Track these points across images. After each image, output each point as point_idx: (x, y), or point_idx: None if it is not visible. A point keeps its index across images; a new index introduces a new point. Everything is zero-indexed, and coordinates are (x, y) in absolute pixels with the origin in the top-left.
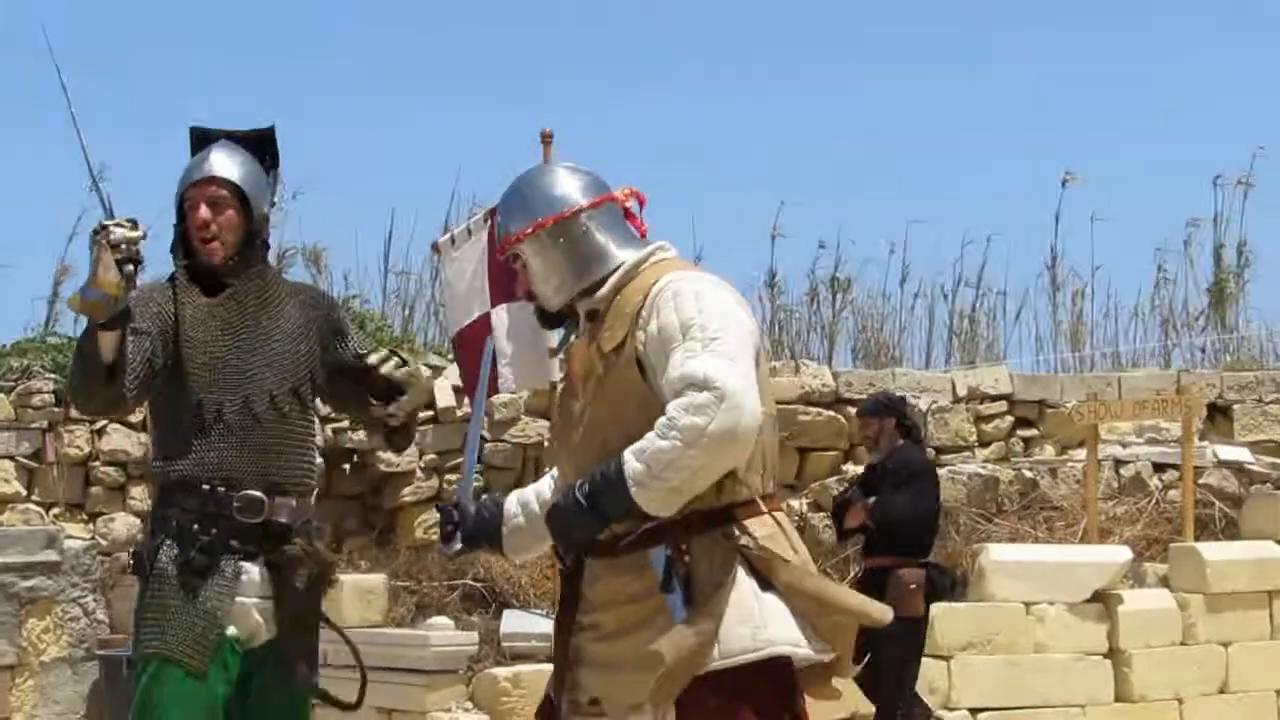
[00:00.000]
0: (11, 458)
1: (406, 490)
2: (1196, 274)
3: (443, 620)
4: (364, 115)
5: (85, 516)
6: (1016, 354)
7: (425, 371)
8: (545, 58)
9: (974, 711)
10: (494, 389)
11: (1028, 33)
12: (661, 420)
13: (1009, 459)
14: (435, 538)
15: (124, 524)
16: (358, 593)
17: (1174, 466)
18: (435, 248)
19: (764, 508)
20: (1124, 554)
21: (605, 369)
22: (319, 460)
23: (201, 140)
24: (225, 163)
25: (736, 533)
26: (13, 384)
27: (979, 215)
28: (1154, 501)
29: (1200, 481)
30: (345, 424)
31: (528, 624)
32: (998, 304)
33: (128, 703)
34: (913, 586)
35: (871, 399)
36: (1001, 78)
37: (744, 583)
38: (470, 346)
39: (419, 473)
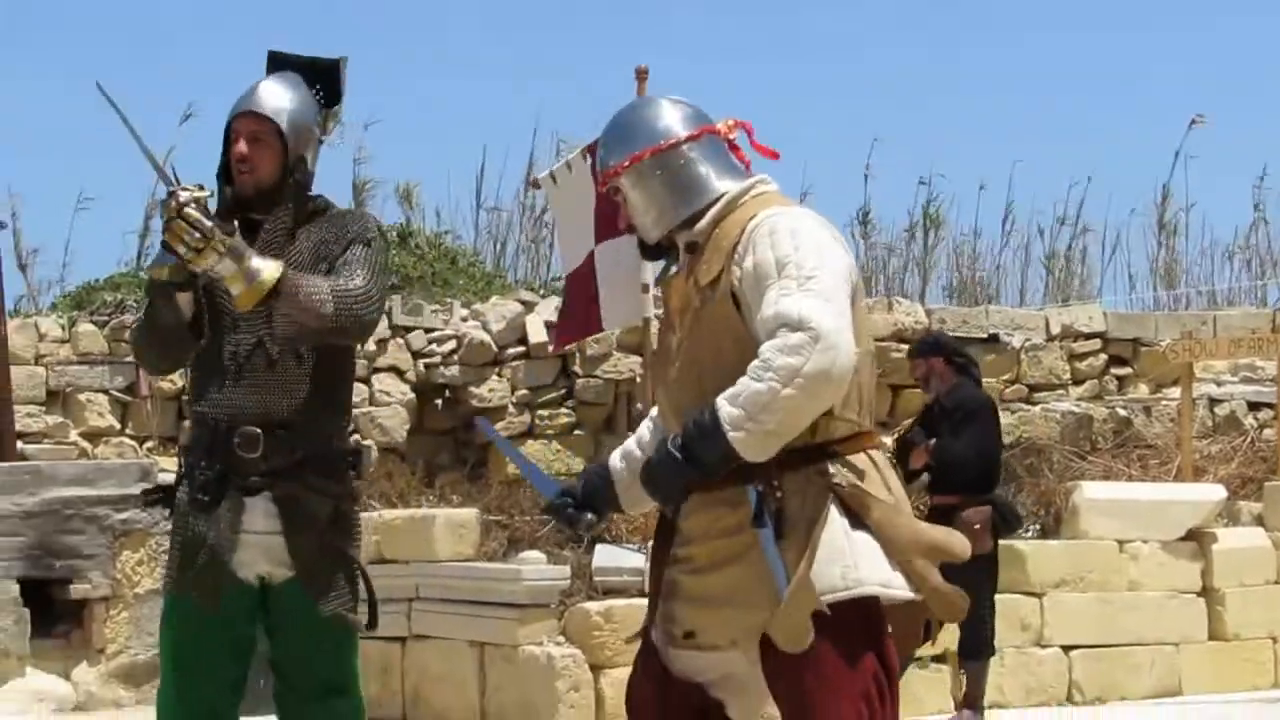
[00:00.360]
0: (106, 391)
1: (499, 425)
2: None
3: (535, 554)
4: (451, 52)
5: (178, 450)
6: (1110, 292)
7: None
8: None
9: (1066, 649)
10: (596, 328)
11: None
12: (755, 362)
13: (1103, 397)
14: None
15: None
16: (450, 527)
17: (1269, 405)
18: (534, 184)
19: (859, 445)
20: (1218, 492)
21: (701, 303)
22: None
23: (273, 66)
24: (275, 96)
25: (830, 470)
26: (106, 318)
27: (1075, 156)
28: (1249, 440)
29: None
30: (438, 360)
31: (620, 558)
32: (1092, 242)
33: None
34: (977, 525)
35: (918, 339)
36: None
37: (835, 521)
38: (577, 286)
39: (511, 407)
